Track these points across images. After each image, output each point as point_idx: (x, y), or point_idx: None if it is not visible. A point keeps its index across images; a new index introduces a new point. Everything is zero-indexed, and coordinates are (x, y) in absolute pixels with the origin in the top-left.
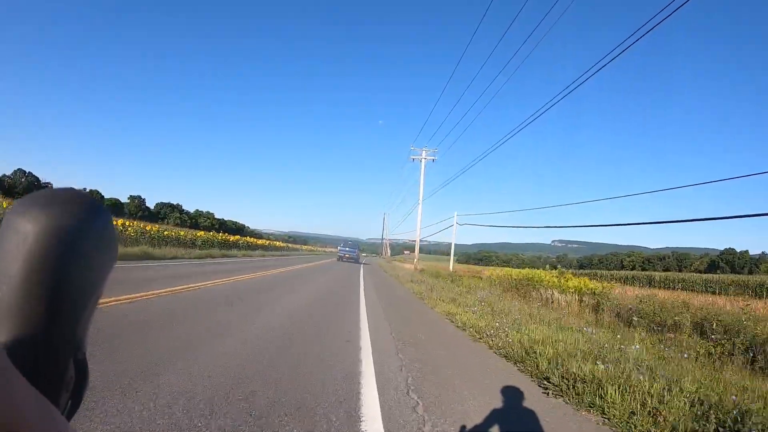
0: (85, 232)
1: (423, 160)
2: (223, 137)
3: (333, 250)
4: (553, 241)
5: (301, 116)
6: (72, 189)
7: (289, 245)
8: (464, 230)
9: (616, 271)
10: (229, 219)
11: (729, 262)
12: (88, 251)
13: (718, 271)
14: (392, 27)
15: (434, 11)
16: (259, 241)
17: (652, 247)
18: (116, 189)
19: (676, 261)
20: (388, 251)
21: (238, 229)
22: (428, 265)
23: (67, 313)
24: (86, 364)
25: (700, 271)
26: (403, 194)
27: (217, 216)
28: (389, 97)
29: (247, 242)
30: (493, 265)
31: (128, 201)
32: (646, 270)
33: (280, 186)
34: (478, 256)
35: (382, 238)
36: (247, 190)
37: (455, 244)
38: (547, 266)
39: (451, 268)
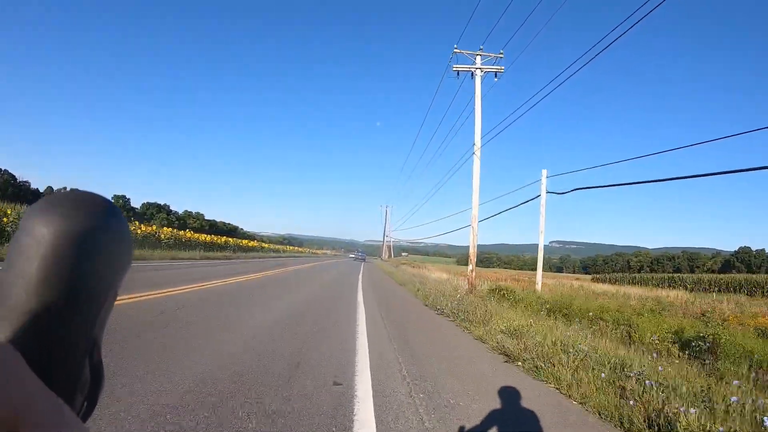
0: (100, 235)
1: (478, 74)
2: (221, 139)
3: (328, 252)
4: (551, 242)
5: (299, 116)
6: (87, 192)
7: (264, 245)
8: (464, 232)
9: (696, 274)
10: (221, 220)
11: (744, 261)
12: (103, 253)
13: (734, 271)
14: (391, 27)
15: (430, 12)
16: (202, 237)
17: (651, 248)
18: (99, 188)
19: (687, 261)
20: (391, 253)
21: (230, 230)
22: (468, 273)
23: (82, 315)
24: (102, 365)
25: (713, 272)
26: (418, 170)
27: (207, 217)
28: (388, 98)
29: (176, 237)
30: (494, 267)
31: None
32: (655, 271)
33: (278, 189)
34: (479, 257)
35: (384, 236)
36: (246, 193)
37: (452, 246)
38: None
39: (538, 285)
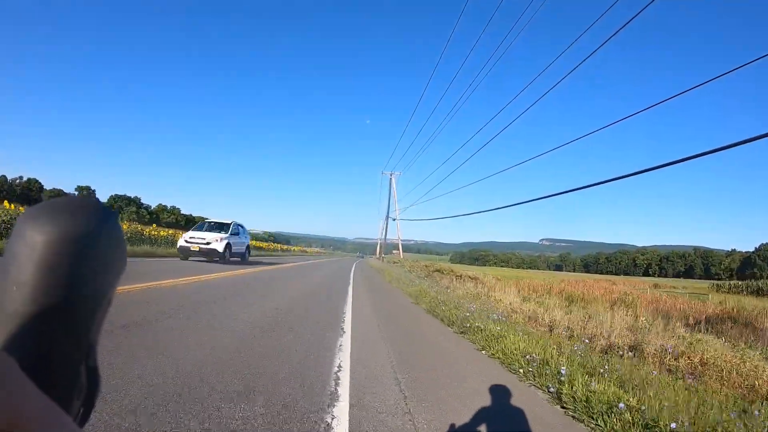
0: (94, 240)
1: None
2: (212, 134)
3: (318, 251)
4: (541, 240)
5: (291, 115)
6: (81, 197)
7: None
8: (455, 229)
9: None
10: (198, 215)
11: (766, 259)
12: (97, 258)
13: (755, 270)
14: (383, 24)
15: (417, 13)
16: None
17: (640, 246)
18: (61, 178)
19: (701, 259)
20: (400, 249)
21: None
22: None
23: (77, 321)
24: (98, 370)
25: (731, 270)
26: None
27: (183, 212)
28: (379, 96)
29: None
30: (490, 265)
31: (75, 193)
32: (665, 270)
33: (267, 185)
34: (474, 255)
35: (387, 218)
36: (237, 191)
37: (441, 243)
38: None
39: None
